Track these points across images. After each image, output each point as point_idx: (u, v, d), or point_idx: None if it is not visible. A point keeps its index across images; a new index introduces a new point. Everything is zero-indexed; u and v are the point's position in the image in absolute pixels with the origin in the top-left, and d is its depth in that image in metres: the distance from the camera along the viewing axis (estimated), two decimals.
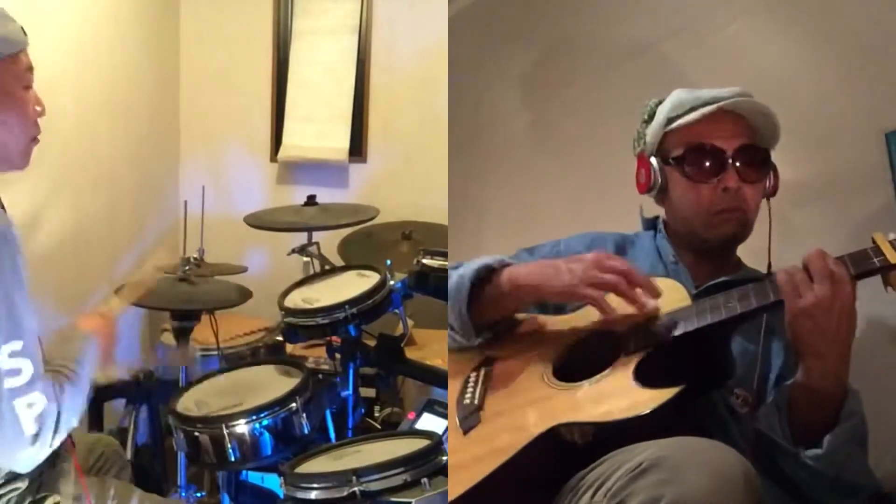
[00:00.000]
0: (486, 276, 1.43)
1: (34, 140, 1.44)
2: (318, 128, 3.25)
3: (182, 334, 2.27)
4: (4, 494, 1.36)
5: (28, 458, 1.30)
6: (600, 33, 2.36)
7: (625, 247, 1.62)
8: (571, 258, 1.38)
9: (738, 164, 1.46)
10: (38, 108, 1.44)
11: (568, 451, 1.23)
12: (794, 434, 1.27)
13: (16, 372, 1.24)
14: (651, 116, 1.57)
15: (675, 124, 1.51)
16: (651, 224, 1.65)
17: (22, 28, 1.40)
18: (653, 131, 1.55)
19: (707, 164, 1.47)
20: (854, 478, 1.27)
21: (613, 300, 1.36)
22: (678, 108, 1.52)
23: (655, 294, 1.34)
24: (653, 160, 1.55)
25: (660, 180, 1.54)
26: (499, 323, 1.48)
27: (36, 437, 1.27)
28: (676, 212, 1.55)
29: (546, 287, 1.37)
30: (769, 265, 1.43)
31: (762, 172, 1.49)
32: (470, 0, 2.62)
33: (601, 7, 2.37)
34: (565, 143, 2.41)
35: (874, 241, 1.22)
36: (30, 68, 1.41)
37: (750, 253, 1.56)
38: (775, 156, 1.54)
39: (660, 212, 1.64)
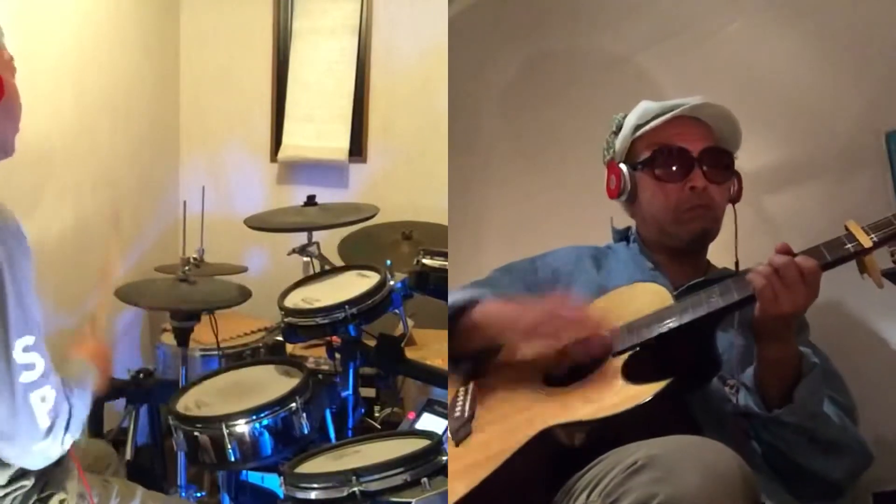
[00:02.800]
0: (462, 311, 1.45)
1: (18, 130, 1.46)
2: (318, 128, 3.25)
3: (182, 334, 2.27)
4: (10, 493, 1.37)
5: (41, 453, 1.32)
6: (601, 35, 2.36)
7: (600, 259, 1.65)
8: (536, 302, 1.38)
9: (704, 165, 1.52)
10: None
11: (562, 454, 1.24)
12: (770, 409, 1.32)
13: (30, 366, 1.26)
14: (619, 128, 1.64)
15: (642, 130, 1.58)
16: (623, 235, 1.70)
17: None
18: (621, 139, 1.62)
19: (674, 165, 1.53)
20: (833, 436, 1.32)
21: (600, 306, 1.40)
22: (645, 115, 1.59)
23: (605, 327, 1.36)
24: (622, 166, 1.61)
25: (629, 185, 1.59)
26: (478, 352, 1.48)
27: (49, 430, 1.29)
28: (646, 214, 1.60)
29: (507, 332, 1.39)
30: (737, 264, 1.48)
31: (727, 174, 1.55)
32: (470, 0, 2.62)
33: (601, 10, 2.37)
34: (566, 143, 2.41)
35: (847, 228, 1.25)
36: (11, 58, 1.43)
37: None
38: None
39: (630, 223, 1.68)
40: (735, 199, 1.57)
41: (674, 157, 1.53)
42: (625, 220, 1.69)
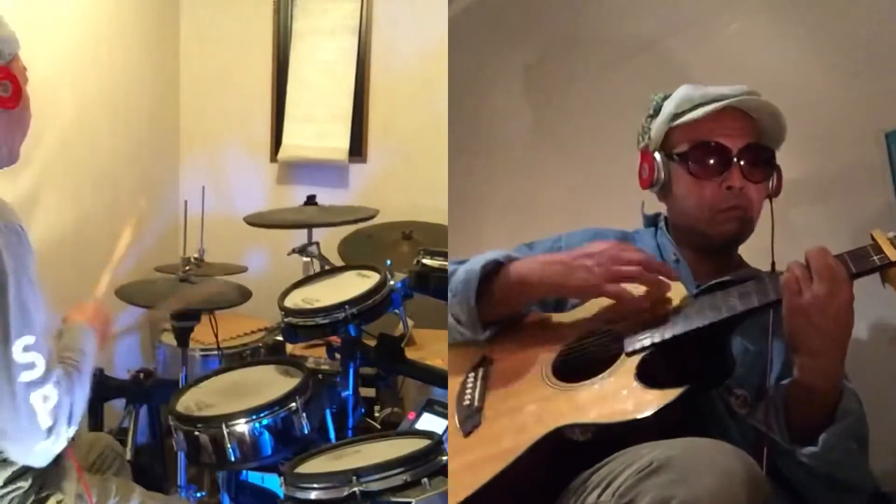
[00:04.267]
0: (493, 270, 1.43)
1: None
2: (318, 128, 3.25)
3: (182, 334, 2.27)
4: (7, 494, 1.37)
5: (44, 452, 1.32)
6: (601, 31, 2.36)
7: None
8: (583, 251, 1.37)
9: (742, 163, 1.44)
10: None
11: (570, 451, 1.23)
12: (791, 432, 1.27)
13: (30, 366, 1.27)
14: (657, 111, 1.55)
15: (680, 120, 1.49)
16: (652, 221, 1.64)
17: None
18: (658, 126, 1.53)
19: (712, 161, 1.45)
20: (851, 477, 1.27)
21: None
22: (685, 103, 1.50)
23: (674, 277, 1.36)
24: (656, 155, 1.53)
25: (663, 176, 1.52)
26: (505, 318, 1.47)
27: (51, 429, 1.29)
28: (679, 208, 1.54)
29: (563, 285, 1.37)
30: (773, 265, 1.41)
31: (766, 172, 1.48)
32: (470, 0, 2.62)
33: (603, 5, 2.37)
34: (566, 142, 2.41)
35: (873, 239, 1.22)
36: (25, 69, 1.44)
37: (752, 252, 1.56)
38: (776, 156, 1.54)
39: (661, 208, 1.63)
40: (774, 194, 1.49)
41: (711, 154, 1.45)
42: (655, 206, 1.64)
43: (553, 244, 1.62)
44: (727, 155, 1.45)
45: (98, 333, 1.53)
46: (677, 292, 1.36)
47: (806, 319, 1.19)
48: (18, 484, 1.38)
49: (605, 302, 1.43)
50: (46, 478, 1.42)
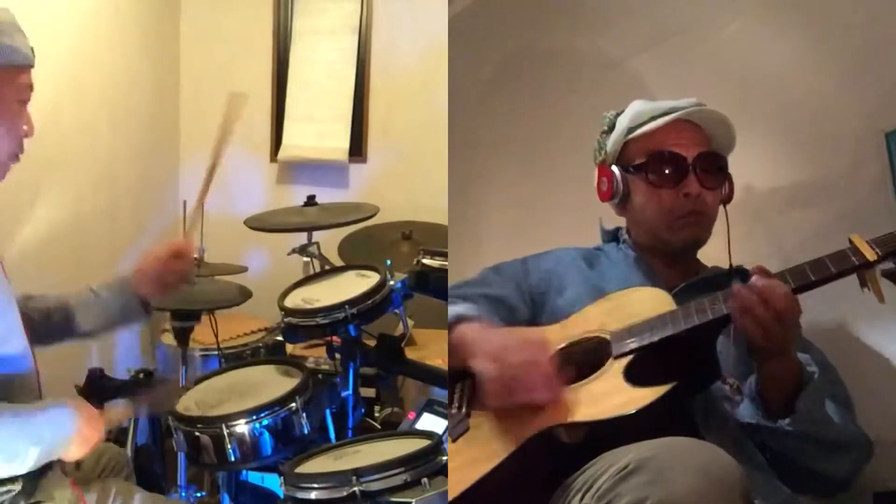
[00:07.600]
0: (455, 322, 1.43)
1: (16, 157, 1.43)
2: (318, 128, 3.25)
3: (182, 334, 2.27)
4: None
5: None
6: (602, 35, 2.36)
7: (592, 260, 1.65)
8: (516, 347, 1.32)
9: (698, 170, 1.51)
10: (27, 128, 1.43)
11: (561, 453, 1.24)
12: (769, 413, 1.32)
13: None
14: (611, 128, 1.62)
15: (635, 133, 1.57)
16: (613, 236, 1.69)
17: (32, 48, 1.42)
18: (613, 141, 1.60)
19: (668, 170, 1.52)
20: (837, 435, 1.33)
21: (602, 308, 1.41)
22: (638, 117, 1.57)
23: None
24: (614, 168, 1.59)
25: (621, 188, 1.58)
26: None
27: None
28: (639, 218, 1.60)
29: (469, 360, 1.35)
30: (730, 266, 1.49)
31: (720, 179, 1.55)
32: (470, 0, 2.62)
33: (601, 10, 2.37)
34: (566, 143, 2.41)
35: (851, 242, 1.26)
36: (30, 87, 1.42)
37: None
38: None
39: (620, 222, 1.68)
40: (727, 200, 1.57)
41: (668, 163, 1.52)
42: (614, 220, 1.69)
43: (521, 266, 1.65)
44: (683, 163, 1.52)
45: (80, 427, 1.40)
46: (659, 297, 1.39)
47: (775, 346, 1.26)
48: (9, 487, 1.37)
49: (593, 311, 1.46)
50: (36, 484, 1.41)
